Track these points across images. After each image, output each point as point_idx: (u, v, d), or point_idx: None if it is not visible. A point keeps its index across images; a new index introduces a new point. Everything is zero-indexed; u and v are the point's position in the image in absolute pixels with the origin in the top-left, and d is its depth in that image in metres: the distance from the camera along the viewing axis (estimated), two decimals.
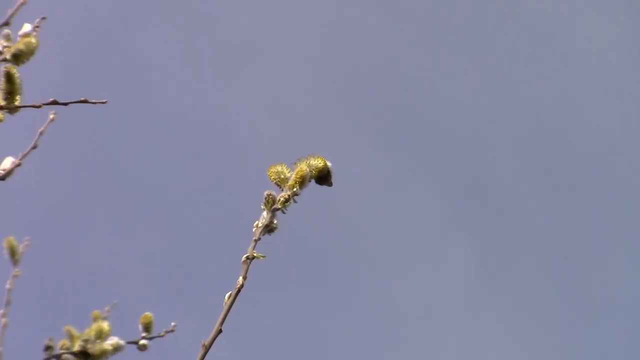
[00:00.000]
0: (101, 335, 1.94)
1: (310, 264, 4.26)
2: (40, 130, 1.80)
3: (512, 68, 4.88)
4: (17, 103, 1.73)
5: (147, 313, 1.99)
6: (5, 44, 1.78)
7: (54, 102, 1.74)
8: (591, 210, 4.80)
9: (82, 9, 4.41)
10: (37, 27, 1.79)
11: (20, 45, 1.77)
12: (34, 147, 1.79)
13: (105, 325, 1.93)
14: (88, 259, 3.82)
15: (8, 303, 1.93)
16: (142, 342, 2.00)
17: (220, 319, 1.54)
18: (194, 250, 4.14)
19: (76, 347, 1.92)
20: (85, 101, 1.76)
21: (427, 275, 4.49)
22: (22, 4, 1.91)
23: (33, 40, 1.78)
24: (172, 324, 2.04)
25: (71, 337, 1.94)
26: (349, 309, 4.29)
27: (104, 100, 1.76)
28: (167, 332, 2.03)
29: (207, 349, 1.53)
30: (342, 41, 4.78)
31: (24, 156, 1.78)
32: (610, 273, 4.66)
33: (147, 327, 2.00)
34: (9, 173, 1.77)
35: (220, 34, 4.68)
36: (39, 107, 1.76)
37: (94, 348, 1.91)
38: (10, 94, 1.70)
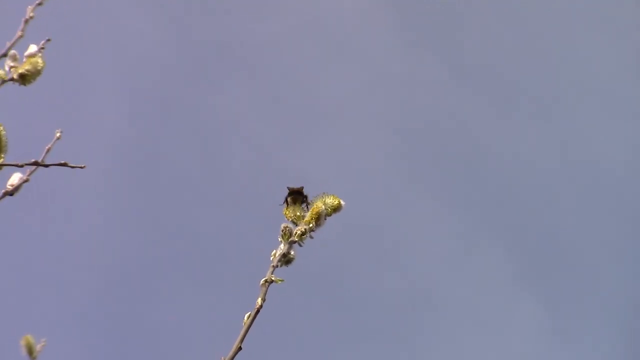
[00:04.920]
0: None
1: (378, 323, 4.32)
2: (47, 147, 1.84)
3: (580, 127, 4.96)
4: (0, 161, 1.77)
5: None
6: (12, 64, 1.83)
7: (35, 163, 1.76)
8: None
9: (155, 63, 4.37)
10: (42, 48, 1.85)
11: (27, 65, 1.82)
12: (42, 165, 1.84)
13: None
14: None
15: None
16: None
17: (239, 337, 1.67)
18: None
19: None
20: (65, 164, 1.78)
21: (498, 334, 4.52)
22: (20, 36, 1.96)
23: (39, 60, 1.83)
24: None
25: None
26: None
27: (82, 165, 1.78)
28: None
29: None
30: (413, 102, 4.82)
31: (32, 173, 1.84)
32: None
33: None
34: (16, 189, 1.82)
35: (289, 92, 4.67)
36: (20, 166, 1.77)
37: None
38: None
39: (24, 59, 1.87)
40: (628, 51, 5.04)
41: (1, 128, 1.72)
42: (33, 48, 1.90)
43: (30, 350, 1.96)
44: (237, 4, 4.73)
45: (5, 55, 1.91)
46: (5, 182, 1.82)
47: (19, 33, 1.93)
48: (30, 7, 1.90)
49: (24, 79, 1.84)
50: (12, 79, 1.83)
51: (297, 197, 1.69)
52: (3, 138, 1.72)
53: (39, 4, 1.92)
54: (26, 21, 1.88)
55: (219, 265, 4.29)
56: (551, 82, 5.04)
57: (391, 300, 4.47)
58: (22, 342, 1.94)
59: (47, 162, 1.77)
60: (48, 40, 1.89)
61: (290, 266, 1.67)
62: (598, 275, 4.79)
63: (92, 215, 4.24)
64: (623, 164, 4.93)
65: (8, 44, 1.96)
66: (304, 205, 1.68)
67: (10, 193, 1.78)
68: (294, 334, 4.09)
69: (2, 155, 1.73)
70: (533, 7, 5.05)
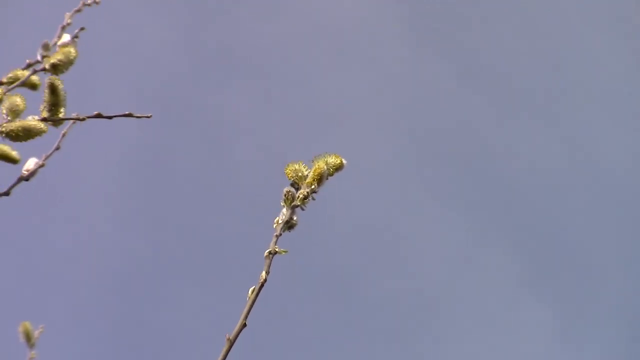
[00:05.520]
0: None
1: (384, 324, 4.31)
2: (63, 132, 1.82)
3: (586, 129, 4.89)
4: (61, 115, 1.76)
5: None
6: (44, 53, 1.84)
7: (99, 115, 1.76)
8: None
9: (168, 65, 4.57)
10: (76, 37, 1.84)
11: (59, 55, 1.82)
12: (57, 149, 1.82)
13: None
14: None
15: None
16: None
17: (244, 313, 1.57)
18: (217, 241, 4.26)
19: None
20: (130, 115, 1.77)
21: (503, 336, 4.50)
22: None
23: (72, 50, 1.83)
24: None
25: None
26: None
27: (148, 115, 1.77)
28: None
29: (232, 342, 1.57)
30: (419, 104, 4.86)
31: (47, 157, 1.82)
32: None
33: None
34: (32, 174, 1.81)
35: (296, 93, 4.79)
36: (82, 120, 1.79)
37: None
38: (55, 105, 1.73)
39: (57, 49, 1.87)
40: (633, 53, 4.97)
41: (59, 83, 1.73)
42: (66, 37, 1.90)
43: (28, 337, 1.94)
44: (244, 6, 4.71)
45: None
46: (60, 140, 1.80)
47: (56, 39, 1.94)
48: (68, 14, 1.91)
49: (56, 68, 1.84)
50: (44, 69, 1.84)
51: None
52: (61, 92, 1.73)
53: (78, 10, 1.93)
54: (63, 27, 1.89)
55: (224, 265, 4.21)
56: (557, 83, 5.01)
57: (397, 301, 4.38)
58: (20, 329, 1.92)
59: (110, 114, 1.76)
60: (82, 29, 1.89)
61: (293, 231, 1.56)
62: (604, 278, 4.72)
63: (98, 215, 4.28)
64: (630, 166, 4.87)
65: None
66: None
67: (26, 178, 1.77)
68: (299, 339, 3.94)
69: (62, 110, 1.73)
70: (539, 10, 4.99)
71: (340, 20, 4.83)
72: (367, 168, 4.62)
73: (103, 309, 4.17)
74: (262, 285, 1.56)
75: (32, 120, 1.74)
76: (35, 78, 1.79)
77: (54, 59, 1.82)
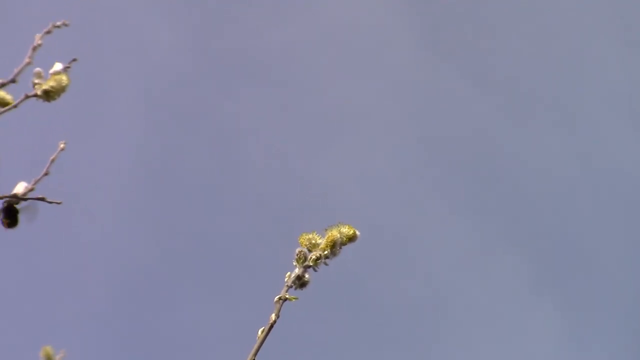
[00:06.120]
0: None
1: (395, 329, 4.35)
2: (51, 158, 1.85)
3: (600, 136, 4.94)
4: None
5: None
6: (36, 81, 1.86)
7: (14, 196, 1.80)
8: None
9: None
10: (67, 67, 1.86)
11: (51, 82, 1.84)
12: (46, 174, 1.86)
13: None
14: None
15: None
16: None
17: (253, 351, 1.68)
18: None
19: None
20: (42, 199, 1.81)
21: (515, 340, 4.53)
22: (28, 63, 1.96)
23: (64, 77, 1.85)
24: None
25: None
26: None
27: (58, 201, 1.81)
28: None
29: None
30: (433, 110, 4.83)
31: (37, 181, 1.85)
32: None
33: None
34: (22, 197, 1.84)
35: (310, 100, 4.71)
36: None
37: None
38: None
39: (49, 76, 1.89)
40: None
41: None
42: (58, 66, 1.92)
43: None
44: (256, 11, 4.70)
45: (13, 81, 1.94)
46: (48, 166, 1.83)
47: (27, 60, 1.94)
48: (38, 35, 1.91)
49: (48, 95, 1.86)
50: (35, 95, 1.86)
51: None
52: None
53: (48, 32, 1.93)
54: (34, 48, 1.89)
55: (235, 270, 4.31)
56: (570, 88, 5.08)
57: (408, 306, 4.48)
58: (41, 354, 1.97)
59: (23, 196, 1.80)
60: (74, 60, 1.90)
61: (304, 289, 1.66)
62: (614, 281, 4.79)
63: (110, 221, 4.29)
64: None
65: (16, 70, 1.98)
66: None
67: (15, 203, 1.81)
68: (309, 340, 4.10)
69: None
70: (556, 17, 5.03)
71: (352, 25, 4.79)
72: (379, 173, 4.63)
73: (108, 316, 4.14)
74: (271, 327, 1.67)
75: None
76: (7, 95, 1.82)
77: (47, 85, 1.84)
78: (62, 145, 1.86)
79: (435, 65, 4.93)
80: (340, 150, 4.69)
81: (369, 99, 4.81)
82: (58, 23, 1.89)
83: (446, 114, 4.88)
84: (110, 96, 4.26)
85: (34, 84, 1.85)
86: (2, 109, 1.85)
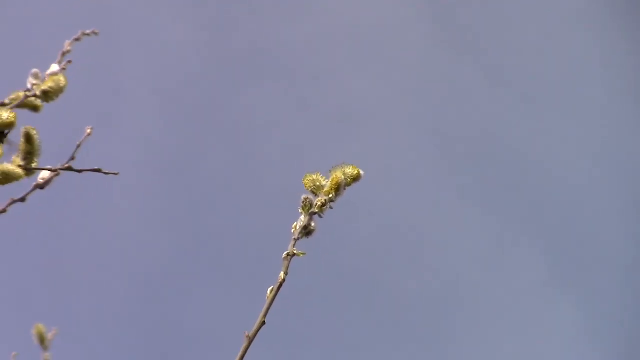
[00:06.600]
0: None
1: (410, 324, 4.30)
2: (78, 142, 1.85)
3: (618, 129, 4.97)
4: (34, 165, 1.79)
5: None
6: (34, 81, 1.90)
7: (69, 168, 1.80)
8: None
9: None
10: (64, 68, 1.91)
11: (49, 82, 1.88)
12: (72, 159, 1.85)
13: None
14: None
15: None
16: None
17: (263, 312, 1.65)
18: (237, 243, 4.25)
19: None
20: (98, 170, 1.81)
21: (533, 336, 4.46)
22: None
23: (62, 78, 1.89)
24: None
25: None
26: None
27: (116, 172, 1.80)
28: None
29: (251, 340, 1.64)
30: (448, 105, 4.89)
31: (63, 167, 1.84)
32: None
33: None
34: (47, 182, 1.84)
35: (324, 94, 4.77)
36: (55, 171, 1.81)
37: None
38: (30, 154, 1.77)
39: (46, 77, 1.93)
40: None
41: (35, 132, 1.76)
42: (55, 67, 1.96)
43: (41, 339, 1.95)
44: (271, 6, 4.80)
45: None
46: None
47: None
48: (67, 42, 1.97)
49: (47, 96, 1.90)
50: (35, 96, 1.89)
51: None
52: (37, 142, 1.75)
53: (77, 39, 1.99)
54: (63, 54, 1.95)
55: (244, 263, 4.25)
56: (589, 84, 5.07)
57: (423, 302, 4.39)
58: (34, 331, 1.93)
59: (79, 168, 1.80)
60: (69, 62, 1.95)
61: (310, 238, 1.66)
62: (635, 278, 4.73)
63: (125, 217, 4.25)
64: None
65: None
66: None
67: (41, 187, 1.81)
68: (323, 335, 4.00)
69: (36, 160, 1.75)
70: (570, 12, 5.08)
71: (368, 20, 4.82)
72: (395, 167, 4.62)
73: (120, 309, 4.05)
74: (280, 285, 1.65)
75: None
76: (37, 101, 1.84)
77: (45, 86, 1.88)
78: (88, 131, 1.87)
79: (452, 57, 4.93)
80: (356, 144, 4.65)
81: (384, 91, 4.80)
82: (88, 31, 1.95)
83: (462, 106, 4.85)
84: (126, 90, 4.27)
85: (33, 85, 1.90)
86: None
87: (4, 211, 1.86)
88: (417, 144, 4.78)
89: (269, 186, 4.43)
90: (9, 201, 1.80)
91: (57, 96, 1.90)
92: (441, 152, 4.80)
